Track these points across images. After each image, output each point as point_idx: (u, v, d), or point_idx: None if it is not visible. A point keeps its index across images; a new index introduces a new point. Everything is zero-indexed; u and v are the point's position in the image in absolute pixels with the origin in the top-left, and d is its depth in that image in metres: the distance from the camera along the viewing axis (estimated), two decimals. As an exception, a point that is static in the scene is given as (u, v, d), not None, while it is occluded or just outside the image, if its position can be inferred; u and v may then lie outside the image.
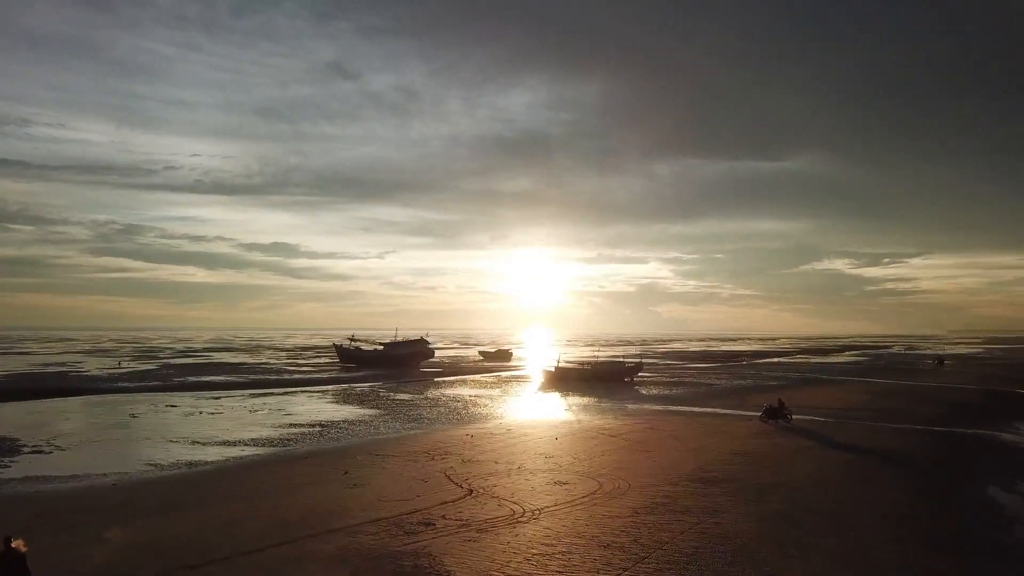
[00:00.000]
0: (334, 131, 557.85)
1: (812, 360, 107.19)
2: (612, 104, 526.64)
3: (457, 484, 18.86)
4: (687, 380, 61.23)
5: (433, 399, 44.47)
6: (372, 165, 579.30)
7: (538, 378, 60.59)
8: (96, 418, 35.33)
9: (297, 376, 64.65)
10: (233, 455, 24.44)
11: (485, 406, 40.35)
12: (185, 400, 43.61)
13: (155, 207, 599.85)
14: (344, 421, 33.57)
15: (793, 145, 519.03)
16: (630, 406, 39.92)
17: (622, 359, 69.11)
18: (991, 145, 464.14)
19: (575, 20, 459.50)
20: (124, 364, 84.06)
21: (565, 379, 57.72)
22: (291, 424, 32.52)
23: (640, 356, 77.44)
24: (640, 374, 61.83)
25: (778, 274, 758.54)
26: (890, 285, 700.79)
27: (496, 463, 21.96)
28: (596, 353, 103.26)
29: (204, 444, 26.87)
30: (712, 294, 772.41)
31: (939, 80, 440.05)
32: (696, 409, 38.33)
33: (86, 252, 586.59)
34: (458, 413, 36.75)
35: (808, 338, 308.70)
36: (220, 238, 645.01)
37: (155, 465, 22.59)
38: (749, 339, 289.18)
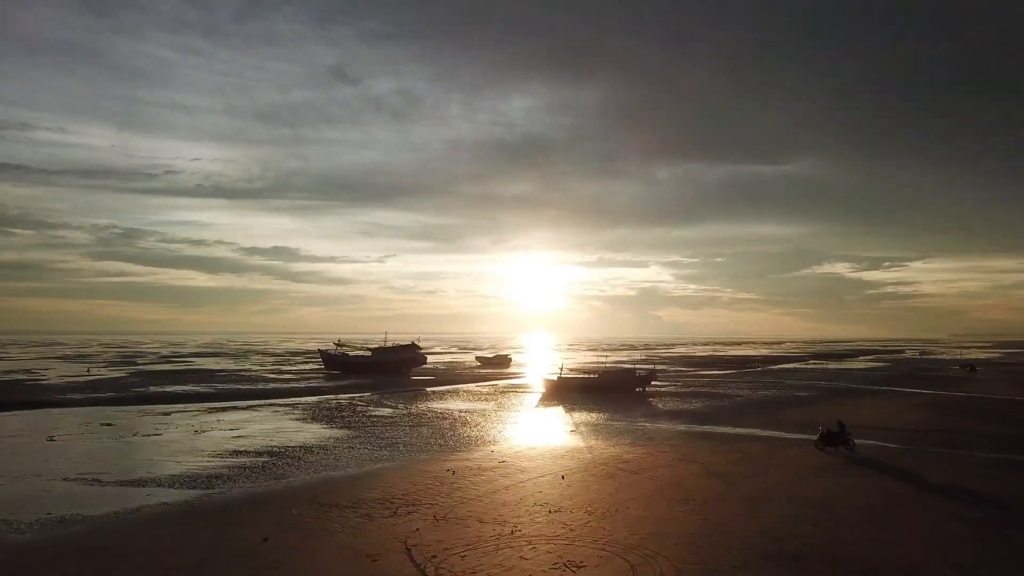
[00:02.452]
0: (335, 135, 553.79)
1: (829, 366, 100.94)
2: (612, 108, 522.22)
3: (419, 567, 12.69)
4: (704, 390, 55.00)
5: (417, 415, 38.28)
6: (373, 169, 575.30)
7: (539, 388, 54.43)
8: (5, 442, 29.13)
9: (272, 386, 58.44)
10: (132, 504, 18.24)
11: (476, 425, 34.14)
12: (128, 417, 37.48)
13: (156, 211, 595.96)
14: (301, 447, 27.36)
15: (794, 149, 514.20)
16: (648, 425, 33.72)
17: (632, 367, 62.82)
18: (992, 148, 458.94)
19: (575, 25, 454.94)
20: (92, 371, 78.04)
21: (568, 389, 51.54)
22: (234, 452, 26.33)
23: (652, 363, 71.32)
24: (653, 383, 55.62)
25: (779, 278, 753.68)
26: (891, 289, 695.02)
27: (481, 522, 15.78)
28: (602, 360, 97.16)
29: (105, 484, 20.69)
30: (713, 298, 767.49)
31: (940, 84, 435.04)
32: (728, 430, 32.10)
33: (86, 256, 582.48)
34: (443, 436, 30.53)
35: (812, 342, 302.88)
36: (220, 242, 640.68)
37: (11, 523, 16.39)
38: (753, 343, 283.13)
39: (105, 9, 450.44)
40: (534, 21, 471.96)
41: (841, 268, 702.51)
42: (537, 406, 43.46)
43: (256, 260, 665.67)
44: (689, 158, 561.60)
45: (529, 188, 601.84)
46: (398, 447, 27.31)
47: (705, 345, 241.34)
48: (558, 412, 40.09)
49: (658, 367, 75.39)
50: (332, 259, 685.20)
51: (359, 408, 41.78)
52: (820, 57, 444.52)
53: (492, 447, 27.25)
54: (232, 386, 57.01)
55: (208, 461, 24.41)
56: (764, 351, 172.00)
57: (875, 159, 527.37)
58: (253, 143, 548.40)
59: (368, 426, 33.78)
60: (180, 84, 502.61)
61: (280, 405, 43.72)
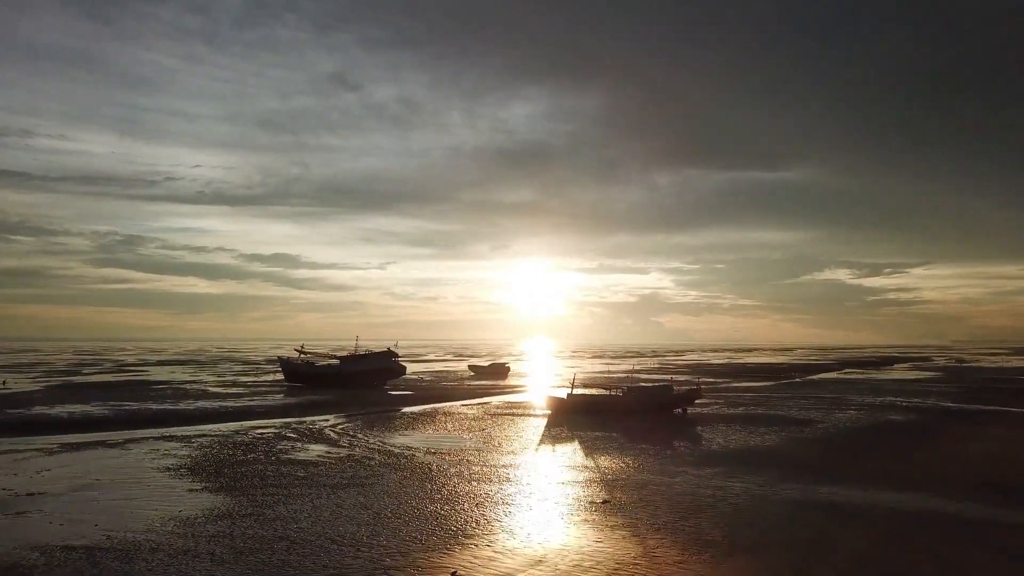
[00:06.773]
0: (336, 142, 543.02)
1: (877, 376, 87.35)
2: (613, 115, 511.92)
3: None
4: (760, 412, 41.63)
5: (357, 461, 25.10)
6: (373, 176, 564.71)
7: (542, 409, 41.34)
8: None
9: (199, 404, 45.28)
10: None
11: (441, 488, 20.92)
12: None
13: (156, 218, 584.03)
14: (86, 549, 14.19)
15: (794, 155, 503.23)
16: (729, 484, 20.49)
17: (669, 381, 49.30)
18: (992, 154, 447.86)
19: (575, 32, 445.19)
20: (9, 384, 65.22)
21: (582, 411, 38.49)
22: (-60, 567, 13.20)
23: (698, 378, 58.33)
24: (696, 403, 42.41)
25: (779, 284, 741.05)
26: (892, 295, 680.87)
27: None
28: (611, 369, 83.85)
29: None
30: (714, 304, 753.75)
31: (941, 90, 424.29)
32: (876, 498, 18.84)
33: (87, 263, 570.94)
34: (375, 517, 17.27)
35: (825, 349, 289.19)
36: (221, 249, 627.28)
37: None
38: (762, 350, 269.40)
39: (106, 16, 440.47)
40: (535, 28, 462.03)
41: (842, 274, 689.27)
42: (541, 442, 30.22)
43: (257, 267, 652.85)
44: (689, 164, 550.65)
45: (529, 194, 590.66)
46: (273, 554, 14.08)
47: (715, 352, 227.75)
48: (572, 453, 26.94)
49: (679, 377, 62.32)
50: (333, 266, 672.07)
51: (281, 445, 28.59)
52: (821, 63, 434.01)
53: (455, 554, 14.06)
54: (144, 406, 43.83)
55: None
56: (782, 358, 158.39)
57: (876, 165, 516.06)
58: (254, 150, 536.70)
59: (266, 486, 20.63)
60: (181, 91, 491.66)
61: (175, 437, 30.52)
